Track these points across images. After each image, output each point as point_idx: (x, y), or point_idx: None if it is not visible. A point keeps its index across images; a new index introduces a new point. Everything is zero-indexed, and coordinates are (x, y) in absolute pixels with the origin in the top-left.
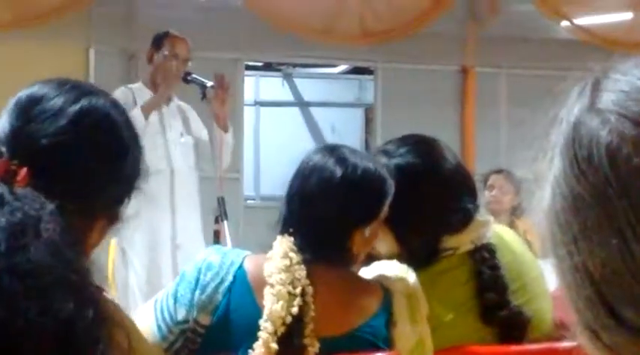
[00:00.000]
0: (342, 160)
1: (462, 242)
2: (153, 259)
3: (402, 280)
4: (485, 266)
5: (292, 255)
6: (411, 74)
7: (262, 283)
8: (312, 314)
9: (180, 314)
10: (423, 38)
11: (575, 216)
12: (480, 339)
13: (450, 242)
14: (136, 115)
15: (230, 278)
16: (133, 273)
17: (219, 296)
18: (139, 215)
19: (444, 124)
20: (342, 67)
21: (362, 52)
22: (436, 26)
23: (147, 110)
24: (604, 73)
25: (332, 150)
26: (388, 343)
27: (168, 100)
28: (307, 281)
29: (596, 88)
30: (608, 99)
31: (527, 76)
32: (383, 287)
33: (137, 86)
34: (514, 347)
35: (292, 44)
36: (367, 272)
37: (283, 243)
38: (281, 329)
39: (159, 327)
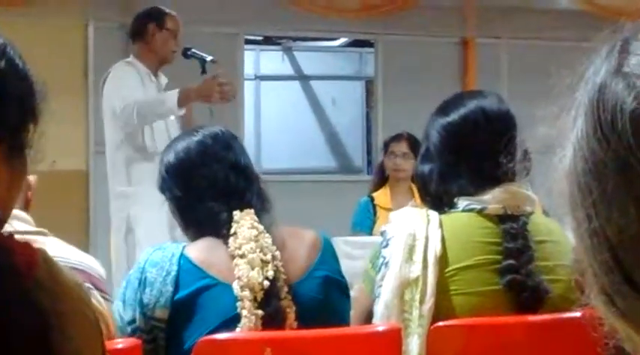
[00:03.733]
0: None
1: (484, 200)
2: (160, 236)
3: (405, 225)
4: (512, 235)
5: (257, 225)
6: (411, 46)
7: (209, 263)
8: (284, 276)
9: (128, 315)
10: (422, 10)
11: (595, 181)
12: (494, 297)
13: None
14: (168, 99)
15: (175, 268)
16: (140, 252)
17: (169, 287)
18: (145, 194)
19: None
20: (342, 40)
21: (362, 25)
22: None
23: (184, 100)
24: (634, 33)
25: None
26: (340, 275)
27: (157, 76)
28: (274, 248)
29: (625, 49)
30: (636, 62)
31: (528, 47)
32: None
33: (132, 61)
34: (528, 318)
35: (292, 18)
36: (391, 216)
37: (246, 216)
38: (260, 295)
39: (117, 329)
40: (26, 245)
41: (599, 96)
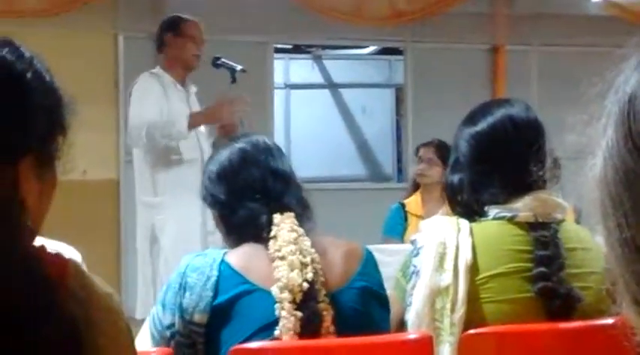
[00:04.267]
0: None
1: (514, 208)
2: (184, 246)
3: (436, 233)
4: (543, 242)
5: (297, 228)
6: (441, 53)
7: (249, 268)
8: (322, 279)
9: (167, 319)
10: (452, 17)
11: (627, 191)
12: (525, 305)
13: (504, 204)
14: (178, 123)
15: (215, 273)
16: (164, 261)
17: (209, 292)
18: (170, 203)
19: (474, 103)
20: (372, 48)
21: (391, 33)
22: (465, 5)
23: (193, 124)
24: None
25: None
26: (381, 287)
27: (187, 85)
28: (313, 250)
29: None
30: None
31: (558, 54)
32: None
33: (158, 71)
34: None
35: (321, 26)
36: (421, 225)
37: (286, 219)
38: (299, 296)
39: (152, 336)
40: (57, 255)
41: (630, 106)
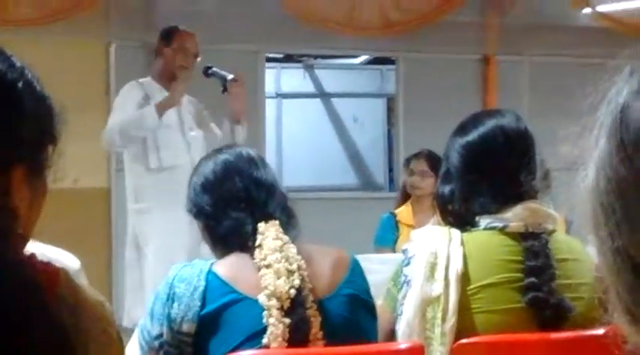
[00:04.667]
0: None
1: (505, 218)
2: (169, 253)
3: (427, 243)
4: (534, 253)
5: (282, 236)
6: (432, 63)
7: (237, 278)
8: (309, 286)
9: (155, 330)
10: (443, 27)
11: (619, 200)
12: (516, 315)
13: (495, 214)
14: (147, 113)
15: (203, 283)
16: (148, 268)
17: (197, 302)
18: (153, 210)
19: (466, 113)
20: (364, 58)
21: (383, 42)
22: (457, 15)
23: (161, 109)
24: None
25: None
26: (368, 295)
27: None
28: (299, 257)
29: None
30: None
31: (549, 64)
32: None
33: (146, 81)
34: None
35: (313, 35)
36: (413, 235)
37: (270, 227)
38: (286, 303)
39: (140, 346)
40: (48, 264)
41: (622, 116)
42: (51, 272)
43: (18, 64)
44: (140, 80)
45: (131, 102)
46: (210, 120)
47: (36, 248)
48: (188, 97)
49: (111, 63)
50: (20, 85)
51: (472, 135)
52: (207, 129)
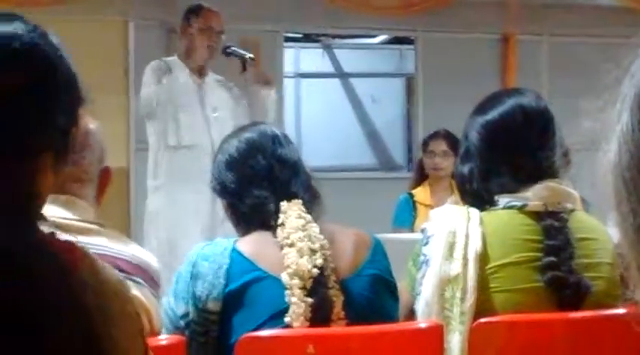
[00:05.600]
0: None
1: (525, 197)
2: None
3: (446, 222)
4: (553, 232)
5: (305, 215)
6: (451, 43)
7: (260, 255)
8: (332, 265)
9: (180, 309)
10: (463, 6)
11: None
12: (535, 295)
13: (515, 193)
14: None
15: (227, 261)
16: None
17: (222, 280)
18: (170, 187)
19: (485, 93)
20: (382, 37)
21: (402, 22)
22: None
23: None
24: None
25: None
26: (390, 275)
27: (204, 75)
28: (322, 237)
29: None
30: None
31: (570, 44)
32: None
33: (172, 59)
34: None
35: (332, 15)
36: (431, 214)
37: (293, 206)
38: (309, 283)
39: (166, 328)
40: (68, 243)
41: None
42: (72, 253)
43: (57, 45)
44: (165, 58)
45: (159, 73)
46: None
47: (117, 243)
48: (216, 77)
49: (130, 42)
50: (61, 72)
51: (492, 114)
52: (252, 97)
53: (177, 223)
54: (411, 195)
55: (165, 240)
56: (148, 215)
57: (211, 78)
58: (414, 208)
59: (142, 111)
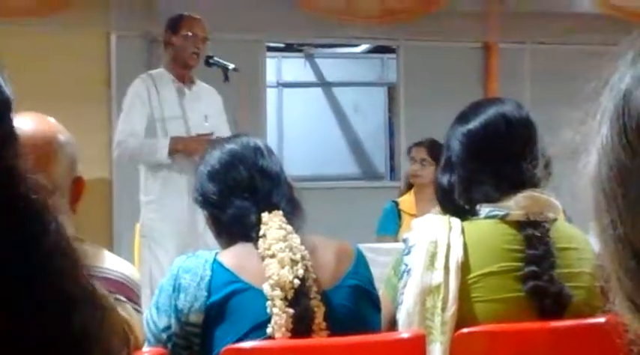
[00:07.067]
0: None
1: (506, 206)
2: (178, 247)
3: (427, 232)
4: (534, 241)
5: (285, 226)
6: (433, 52)
7: (241, 267)
8: (313, 276)
9: (163, 322)
10: (444, 15)
11: (621, 187)
12: (516, 304)
13: (497, 202)
14: (159, 147)
15: (208, 273)
16: (156, 264)
17: (203, 292)
18: (161, 202)
19: (467, 101)
20: (364, 46)
21: (383, 31)
22: (458, 3)
23: (173, 150)
24: None
25: None
26: (372, 286)
27: (191, 83)
28: (303, 248)
29: None
30: None
31: (551, 52)
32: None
33: (158, 72)
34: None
35: (314, 24)
36: (413, 224)
37: (274, 217)
38: (290, 293)
39: (148, 340)
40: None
41: (625, 103)
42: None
43: None
44: (151, 72)
45: (137, 106)
46: (220, 113)
47: (97, 259)
48: (203, 85)
49: (112, 53)
50: None
51: (473, 123)
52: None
53: (167, 237)
54: (396, 204)
55: (168, 257)
56: (141, 229)
57: (199, 86)
58: (399, 216)
59: (114, 154)
